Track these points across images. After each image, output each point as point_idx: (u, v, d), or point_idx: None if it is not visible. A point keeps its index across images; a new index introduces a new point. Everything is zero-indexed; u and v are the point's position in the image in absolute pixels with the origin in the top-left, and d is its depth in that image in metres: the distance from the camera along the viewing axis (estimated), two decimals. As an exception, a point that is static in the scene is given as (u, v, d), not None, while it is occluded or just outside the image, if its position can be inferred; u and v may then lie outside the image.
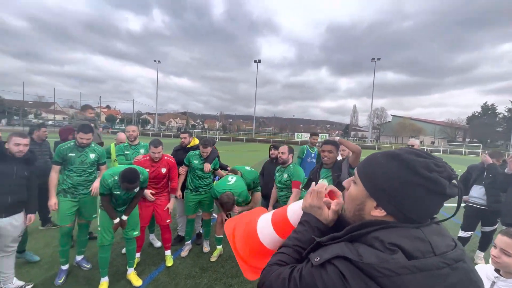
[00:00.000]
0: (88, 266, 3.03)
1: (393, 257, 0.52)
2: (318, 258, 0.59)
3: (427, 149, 34.69)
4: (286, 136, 58.74)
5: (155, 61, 50.54)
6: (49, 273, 2.86)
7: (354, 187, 0.71)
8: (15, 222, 2.46)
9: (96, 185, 2.91)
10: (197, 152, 3.52)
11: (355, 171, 0.72)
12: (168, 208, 3.26)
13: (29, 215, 2.59)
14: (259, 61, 47.91)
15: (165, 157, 3.22)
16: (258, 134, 58.31)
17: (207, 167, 3.45)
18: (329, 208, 0.76)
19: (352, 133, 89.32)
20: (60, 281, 2.69)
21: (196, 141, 3.98)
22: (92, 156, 2.93)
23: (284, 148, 3.18)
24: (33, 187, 2.64)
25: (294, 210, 0.93)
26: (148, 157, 3.11)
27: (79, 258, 3.06)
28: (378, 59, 43.20)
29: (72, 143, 2.88)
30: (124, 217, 2.73)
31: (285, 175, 3.13)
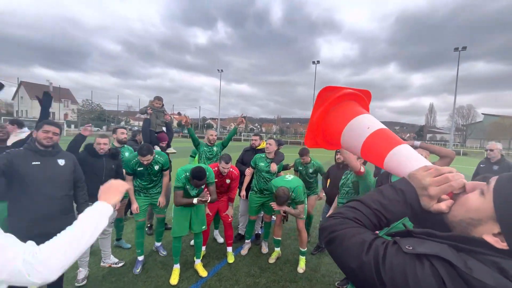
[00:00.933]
0: (164, 253, 3.47)
1: None
2: (411, 248, 0.53)
3: (538, 155, 27.26)
4: (347, 139, 54.88)
5: (218, 70, 54.83)
6: (135, 255, 3.37)
7: (478, 198, 0.58)
8: None
9: (161, 200, 3.30)
10: (263, 155, 3.67)
11: (494, 182, 0.57)
12: (227, 214, 3.46)
13: None
14: (318, 62, 46.55)
15: (231, 169, 3.39)
16: (316, 137, 56.09)
17: (274, 166, 3.56)
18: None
19: (428, 135, 77.44)
20: (138, 271, 3.03)
21: (264, 144, 4.18)
22: (156, 167, 3.20)
23: None
24: (120, 177, 3.13)
25: (399, 159, 0.80)
26: (217, 169, 3.31)
27: (157, 244, 3.54)
28: (464, 48, 36.48)
29: (137, 158, 3.04)
30: (208, 211, 3.10)
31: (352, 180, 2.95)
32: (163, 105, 4.93)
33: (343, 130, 0.97)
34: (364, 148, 0.91)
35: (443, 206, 0.63)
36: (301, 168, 4.04)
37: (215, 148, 4.08)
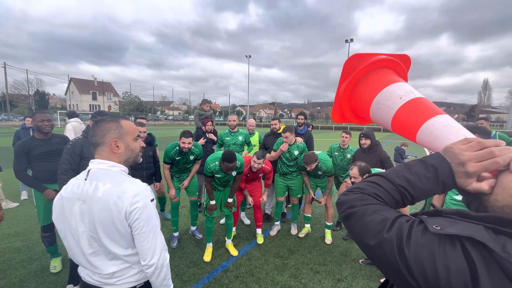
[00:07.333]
0: (200, 236, 3.65)
1: None
2: (439, 227, 0.48)
3: None
4: (383, 123, 51.31)
5: (246, 56, 53.89)
6: (171, 233, 3.62)
7: None
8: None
9: (185, 183, 3.43)
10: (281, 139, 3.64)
11: None
12: (258, 198, 3.56)
13: (156, 183, 3.43)
14: (351, 40, 43.42)
15: (263, 165, 3.35)
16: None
17: (284, 146, 3.55)
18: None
19: (481, 116, 68.71)
20: (174, 245, 3.34)
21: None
22: (191, 157, 3.36)
23: (354, 171, 2.73)
24: (157, 162, 3.44)
25: (435, 131, 0.72)
26: (249, 165, 3.33)
27: (193, 228, 3.72)
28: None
29: (177, 148, 3.23)
30: (230, 200, 3.18)
31: None
32: (211, 107, 5.08)
33: (372, 102, 0.89)
34: (395, 121, 0.82)
35: (484, 185, 0.54)
36: (337, 153, 3.95)
37: (240, 137, 4.02)
